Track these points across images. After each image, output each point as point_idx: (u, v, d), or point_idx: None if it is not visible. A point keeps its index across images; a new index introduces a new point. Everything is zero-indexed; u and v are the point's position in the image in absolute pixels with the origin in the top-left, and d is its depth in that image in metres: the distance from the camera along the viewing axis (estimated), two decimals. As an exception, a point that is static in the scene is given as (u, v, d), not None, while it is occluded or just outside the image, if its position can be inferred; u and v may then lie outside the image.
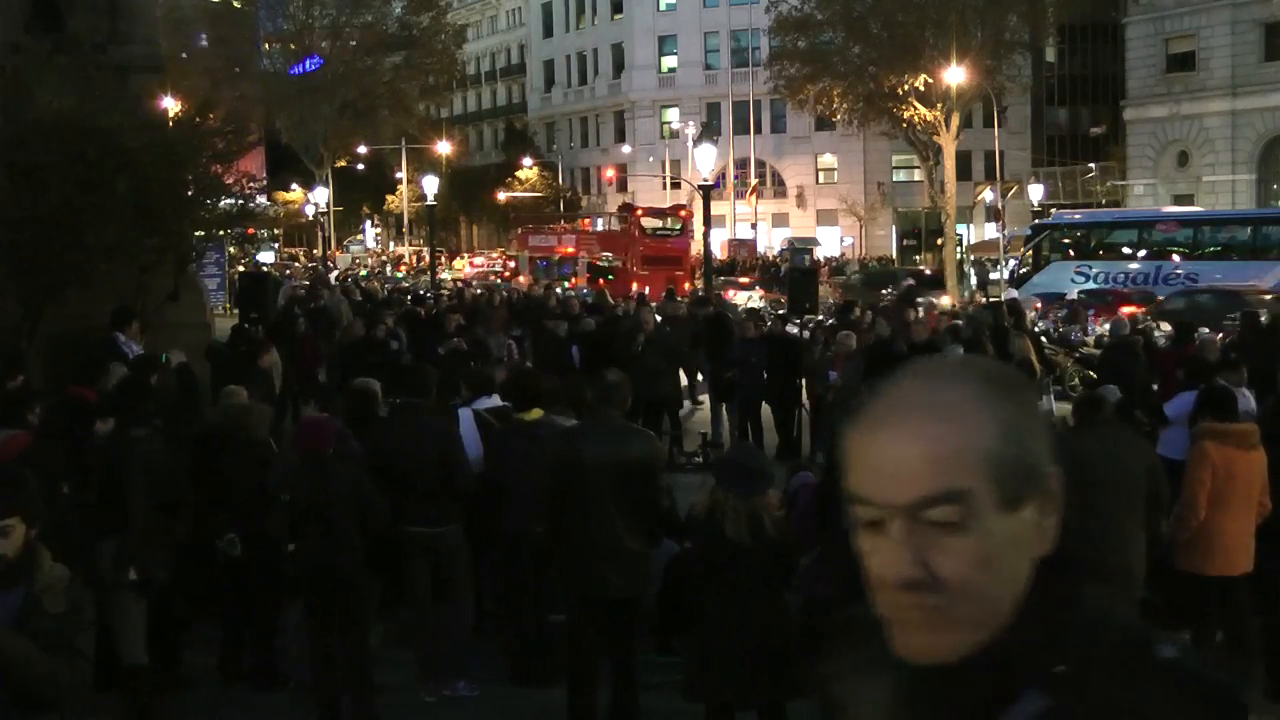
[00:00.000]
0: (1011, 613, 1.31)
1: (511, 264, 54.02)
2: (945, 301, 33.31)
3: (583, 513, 6.47)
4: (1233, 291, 26.15)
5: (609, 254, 44.20)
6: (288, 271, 46.37)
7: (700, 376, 17.84)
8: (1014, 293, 30.69)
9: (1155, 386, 12.98)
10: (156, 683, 7.09)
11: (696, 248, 40.53)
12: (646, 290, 29.87)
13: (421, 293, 28.62)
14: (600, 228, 47.40)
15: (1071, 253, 35.85)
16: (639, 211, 46.25)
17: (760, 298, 37.83)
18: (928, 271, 44.21)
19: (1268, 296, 25.22)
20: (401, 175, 71.60)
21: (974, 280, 41.75)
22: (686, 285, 38.88)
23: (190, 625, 8.07)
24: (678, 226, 44.62)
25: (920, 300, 25.03)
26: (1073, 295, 30.07)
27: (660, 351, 15.14)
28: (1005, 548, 1.30)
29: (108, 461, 7.03)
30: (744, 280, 44.04)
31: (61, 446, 6.99)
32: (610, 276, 40.84)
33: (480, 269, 56.86)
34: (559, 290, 28.50)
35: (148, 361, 10.04)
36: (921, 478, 1.28)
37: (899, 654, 1.33)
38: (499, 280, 45.74)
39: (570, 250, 47.36)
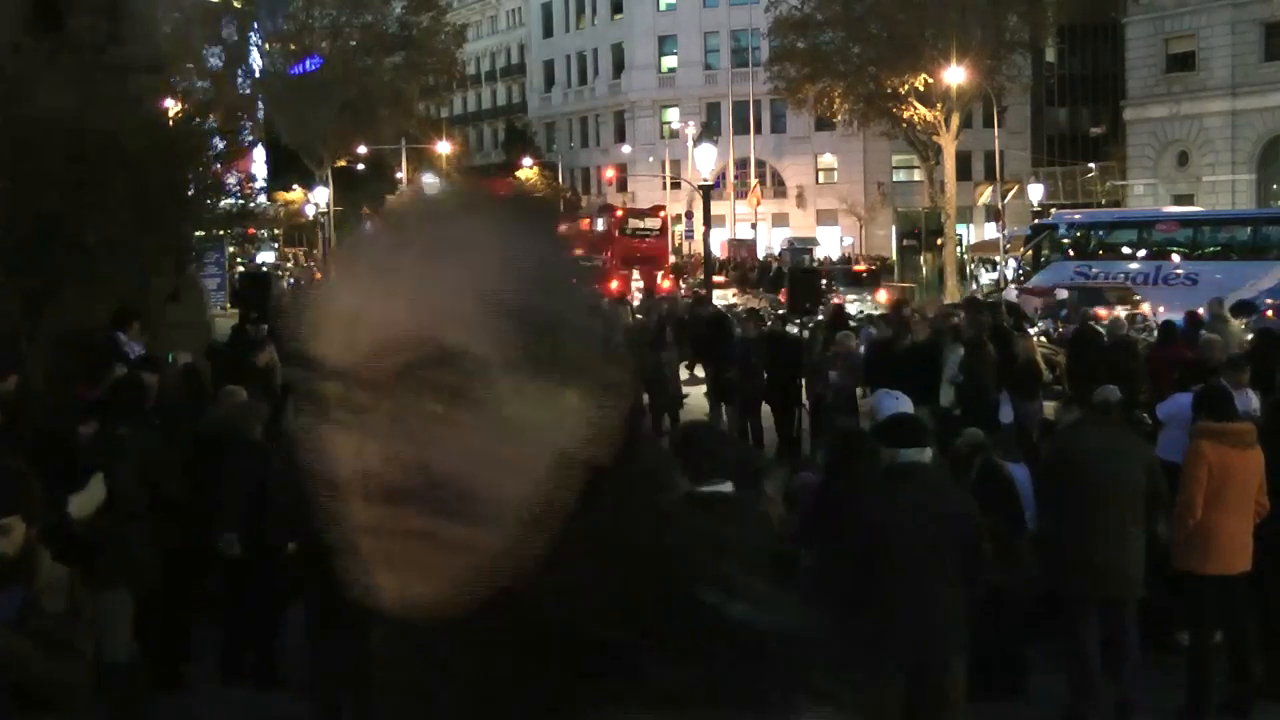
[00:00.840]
0: (544, 544, 0.88)
1: None
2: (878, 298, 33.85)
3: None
4: (1096, 290, 27.90)
5: (590, 252, 45.57)
6: (283, 270, 46.58)
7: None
8: (1013, 293, 30.72)
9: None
10: (144, 682, 7.09)
11: (696, 248, 41.29)
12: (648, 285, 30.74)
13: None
14: (601, 228, 48.25)
15: (1071, 253, 35.83)
16: (618, 212, 48.01)
17: (732, 295, 38.17)
18: (860, 268, 44.90)
19: (1136, 296, 26.48)
20: (401, 175, 71.61)
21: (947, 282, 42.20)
22: (666, 283, 40.71)
23: (191, 628, 8.07)
24: (655, 226, 46.44)
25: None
26: (1063, 294, 30.11)
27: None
28: (523, 442, 0.87)
29: (93, 461, 7.02)
30: (717, 279, 44.28)
31: (43, 446, 6.97)
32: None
33: None
34: None
35: (145, 362, 10.04)
36: (397, 330, 0.86)
37: (375, 602, 0.89)
38: None
39: None
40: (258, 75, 60.32)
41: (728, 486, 4.76)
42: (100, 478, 6.52)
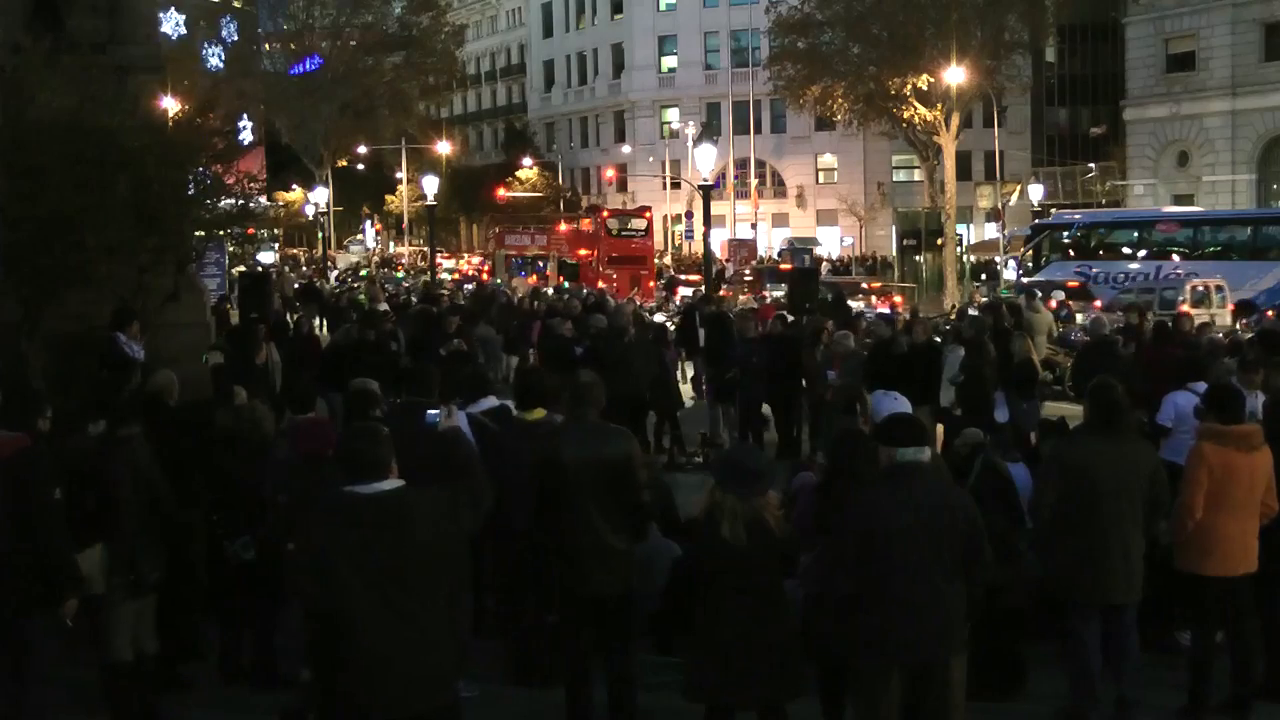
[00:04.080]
0: None
1: (489, 263, 56.02)
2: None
3: (565, 511, 6.53)
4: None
5: (579, 252, 46.31)
6: (286, 267, 46.84)
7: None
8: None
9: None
10: (150, 681, 7.08)
11: (697, 248, 41.53)
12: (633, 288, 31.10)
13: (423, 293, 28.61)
14: (590, 229, 48.67)
15: (1071, 253, 35.83)
16: (605, 213, 48.92)
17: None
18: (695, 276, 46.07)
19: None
20: (401, 175, 71.59)
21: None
22: (650, 283, 41.45)
23: (192, 629, 8.06)
24: (642, 227, 47.08)
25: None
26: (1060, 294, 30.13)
27: (641, 351, 14.93)
28: None
29: (98, 465, 7.00)
30: (693, 278, 44.13)
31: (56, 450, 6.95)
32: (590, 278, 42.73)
33: (460, 271, 56.80)
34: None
35: (137, 365, 10.07)
36: None
37: None
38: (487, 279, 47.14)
39: (541, 250, 49.68)
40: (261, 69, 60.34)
41: (385, 485, 4.63)
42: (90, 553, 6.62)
